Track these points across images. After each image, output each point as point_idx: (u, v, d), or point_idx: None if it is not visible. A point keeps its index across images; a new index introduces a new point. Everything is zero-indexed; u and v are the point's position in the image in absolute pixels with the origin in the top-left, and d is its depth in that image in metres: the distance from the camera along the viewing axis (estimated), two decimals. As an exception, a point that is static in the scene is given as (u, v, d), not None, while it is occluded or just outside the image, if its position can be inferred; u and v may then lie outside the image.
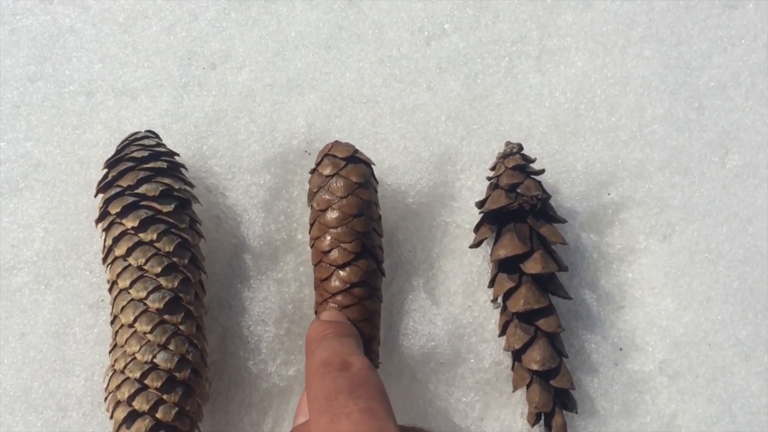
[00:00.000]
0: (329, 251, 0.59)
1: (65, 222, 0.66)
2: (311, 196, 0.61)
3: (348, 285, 0.58)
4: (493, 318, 0.64)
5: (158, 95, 0.70)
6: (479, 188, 0.66)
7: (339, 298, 0.59)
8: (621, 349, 0.63)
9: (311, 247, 0.61)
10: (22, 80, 0.71)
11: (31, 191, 0.67)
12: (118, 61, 0.71)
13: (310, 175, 0.62)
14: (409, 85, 0.70)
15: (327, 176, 0.60)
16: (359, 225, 0.59)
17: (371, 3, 0.72)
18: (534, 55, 0.70)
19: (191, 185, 0.64)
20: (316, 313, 0.61)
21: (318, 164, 0.61)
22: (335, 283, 0.59)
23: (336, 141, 0.63)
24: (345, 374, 0.45)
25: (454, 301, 0.65)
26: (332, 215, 0.59)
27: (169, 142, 0.66)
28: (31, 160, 0.68)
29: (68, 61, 0.71)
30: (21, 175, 0.68)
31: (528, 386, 0.60)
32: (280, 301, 0.64)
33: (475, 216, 0.65)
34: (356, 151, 0.62)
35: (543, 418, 0.59)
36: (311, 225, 0.61)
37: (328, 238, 0.59)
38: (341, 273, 0.59)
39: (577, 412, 0.60)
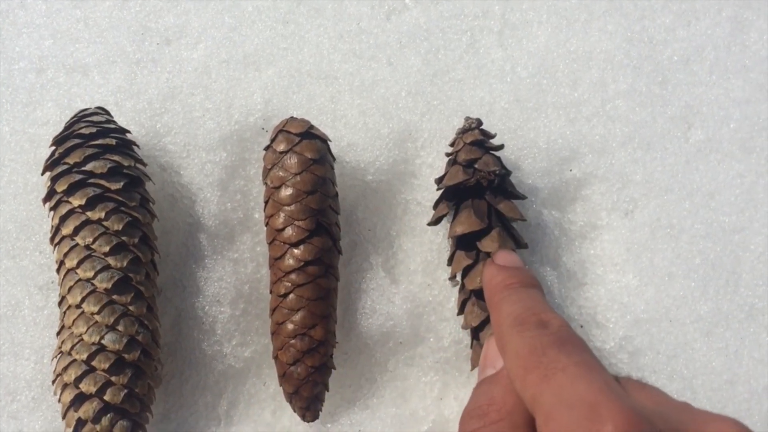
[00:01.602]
0: (283, 229, 0.58)
1: (14, 202, 0.65)
2: (265, 173, 0.60)
3: (302, 263, 0.57)
4: (452, 296, 0.63)
5: (111, 72, 0.68)
6: (439, 165, 0.65)
7: (293, 276, 0.57)
8: (582, 327, 0.62)
9: (266, 226, 0.60)
10: (-30, 57, 0.68)
11: (-22, 170, 0.65)
12: (69, 37, 0.69)
13: (264, 152, 0.61)
14: (369, 61, 0.68)
15: (281, 152, 0.59)
16: (314, 202, 0.58)
17: (330, -23, 0.70)
18: (496, 29, 0.69)
19: (143, 163, 0.62)
20: (270, 292, 0.59)
21: (272, 141, 0.60)
22: (289, 261, 0.57)
23: (291, 117, 0.61)
24: (546, 331, 0.42)
25: (414, 280, 0.63)
26: (286, 192, 0.58)
27: (122, 120, 0.64)
28: (-21, 138, 0.66)
29: (18, 36, 0.69)
30: (-32, 154, 0.66)
31: (486, 365, 0.58)
32: (236, 282, 0.63)
33: (435, 194, 0.63)
34: (311, 126, 0.60)
35: (502, 396, 0.58)
36: (265, 203, 0.60)
37: (282, 215, 0.58)
38: (295, 251, 0.57)
39: (536, 391, 0.59)
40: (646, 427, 0.34)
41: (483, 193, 0.60)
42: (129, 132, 0.63)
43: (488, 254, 0.58)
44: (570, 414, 0.35)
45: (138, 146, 0.63)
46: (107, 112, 0.63)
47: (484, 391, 0.44)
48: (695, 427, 0.36)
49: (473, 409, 0.42)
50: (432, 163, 0.65)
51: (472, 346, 0.60)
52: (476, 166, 0.59)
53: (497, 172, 0.59)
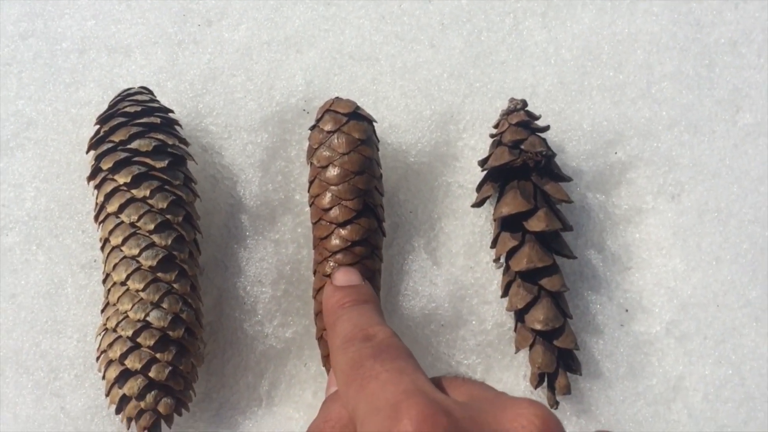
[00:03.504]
0: (329, 209, 0.57)
1: (57, 181, 0.65)
2: (311, 152, 0.59)
3: (349, 243, 0.57)
4: (495, 279, 0.62)
5: (152, 52, 0.68)
6: (482, 147, 0.64)
7: (339, 256, 0.57)
8: (627, 311, 0.61)
9: (310, 206, 0.59)
10: (14, 37, 0.69)
11: (22, 150, 0.66)
12: (111, 18, 0.69)
13: (309, 131, 0.60)
14: (411, 43, 0.68)
15: (328, 132, 0.58)
16: (361, 182, 0.57)
17: (372, -42, 0.70)
18: (540, 11, 0.68)
19: (186, 143, 0.62)
20: (314, 273, 0.59)
21: (318, 120, 0.60)
22: (335, 241, 0.57)
23: (337, 97, 0.61)
24: (368, 344, 0.44)
25: (456, 262, 0.63)
26: (333, 172, 0.57)
27: (164, 100, 0.64)
28: (23, 118, 0.66)
29: (60, 17, 0.69)
30: (12, 134, 0.66)
31: (531, 347, 0.58)
32: (277, 262, 0.63)
33: (478, 176, 0.63)
34: (358, 107, 0.60)
35: (546, 379, 0.58)
36: (310, 182, 0.59)
37: (329, 195, 0.57)
38: (342, 231, 0.57)
39: (581, 374, 0.58)
40: (442, 418, 0.34)
41: (529, 175, 0.59)
42: (172, 111, 0.63)
43: (535, 234, 0.58)
44: (376, 417, 0.36)
45: (180, 126, 0.63)
46: (150, 92, 0.63)
47: (322, 410, 0.45)
48: (494, 413, 0.36)
49: (312, 428, 0.44)
50: (474, 146, 0.65)
51: (516, 329, 0.60)
52: (522, 147, 0.59)
53: (544, 152, 0.58)
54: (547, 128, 0.61)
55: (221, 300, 0.63)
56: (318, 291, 0.58)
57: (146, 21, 0.69)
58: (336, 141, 0.58)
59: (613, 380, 0.60)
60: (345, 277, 0.55)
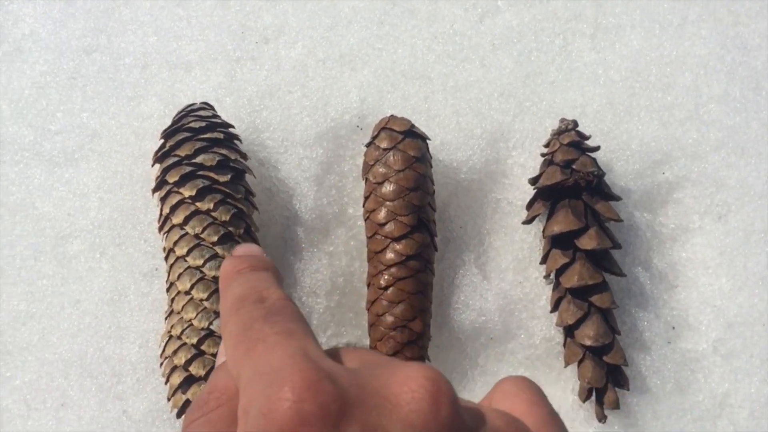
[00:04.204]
0: (385, 224, 0.59)
1: (120, 191, 0.67)
2: (367, 168, 0.62)
3: (403, 257, 0.59)
4: (543, 294, 0.64)
5: (212, 68, 0.70)
6: (531, 165, 0.66)
7: (394, 270, 0.59)
8: (674, 328, 0.63)
9: (365, 220, 0.62)
10: (78, 52, 0.71)
11: (86, 161, 0.68)
12: (172, 34, 0.71)
13: (365, 148, 0.63)
14: (462, 62, 0.69)
15: (384, 149, 0.60)
16: (415, 198, 0.59)
17: (424, -21, 0.72)
18: (589, 33, 0.70)
19: (245, 157, 0.64)
20: (368, 286, 0.61)
21: (375, 137, 0.62)
22: (390, 255, 0.59)
23: (392, 115, 0.63)
24: (261, 305, 0.40)
25: (505, 277, 0.65)
26: (389, 188, 0.59)
27: (223, 115, 0.66)
28: (87, 130, 0.69)
29: (123, 33, 0.72)
30: (77, 146, 0.69)
31: (580, 362, 0.60)
32: (331, 274, 0.65)
33: (527, 193, 0.65)
34: (413, 125, 0.62)
35: (595, 393, 0.59)
36: (366, 198, 0.61)
37: (384, 210, 0.59)
38: (396, 246, 0.59)
39: (629, 389, 0.60)
40: (327, 386, 0.31)
41: (579, 193, 0.61)
42: (233, 126, 0.65)
43: (585, 252, 0.59)
44: (258, 383, 0.33)
45: (240, 140, 0.65)
46: (212, 107, 0.66)
47: (209, 381, 0.41)
48: (385, 378, 0.33)
49: (196, 400, 0.39)
50: (524, 164, 0.67)
51: (565, 344, 0.61)
52: (574, 166, 0.60)
53: (595, 173, 0.60)
54: (597, 148, 0.62)
55: (277, 309, 0.65)
56: (372, 303, 0.60)
57: (206, 38, 0.71)
58: (392, 158, 0.60)
59: (660, 396, 0.62)
60: (246, 249, 0.51)
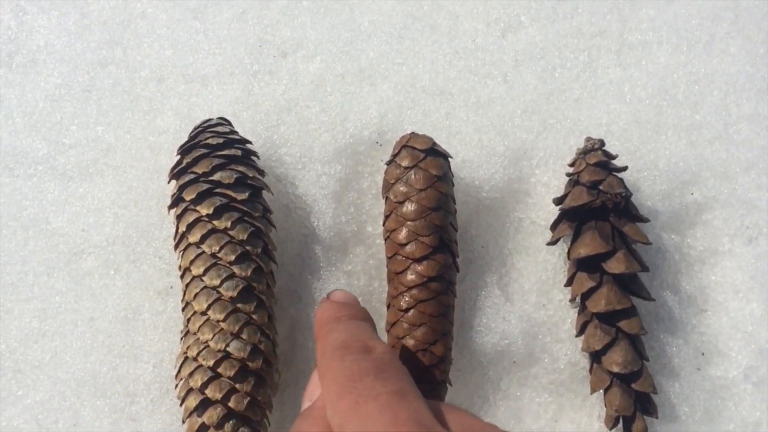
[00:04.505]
0: (406, 244, 0.58)
1: (135, 207, 0.66)
2: (387, 187, 0.60)
3: (425, 279, 0.57)
4: (568, 318, 0.62)
5: (229, 82, 0.69)
6: (555, 184, 0.65)
7: (415, 291, 0.57)
8: (703, 354, 0.61)
9: (386, 240, 0.60)
10: (93, 65, 0.70)
11: (101, 176, 0.67)
12: (189, 48, 0.70)
13: (385, 165, 0.61)
14: (484, 78, 0.68)
15: (405, 168, 0.59)
16: (437, 218, 0.58)
17: (446, -7, 0.70)
18: (614, 49, 0.68)
19: (263, 173, 0.63)
20: (388, 307, 0.60)
21: (396, 155, 0.60)
22: (411, 276, 0.57)
23: (413, 132, 0.61)
24: (368, 357, 0.41)
25: (528, 299, 0.63)
26: (410, 207, 0.58)
27: (240, 130, 0.65)
28: (102, 144, 0.68)
29: (139, 46, 0.71)
30: (92, 160, 0.68)
31: (607, 389, 0.58)
32: (349, 294, 0.63)
33: (550, 212, 0.63)
34: (435, 143, 0.60)
35: (622, 422, 0.58)
36: (386, 217, 0.60)
37: (405, 230, 0.58)
38: (418, 267, 0.57)
39: (657, 417, 0.58)
40: None
41: (606, 215, 0.59)
42: (250, 142, 0.64)
43: (613, 276, 0.58)
44: None
45: (258, 157, 0.64)
46: (229, 123, 0.65)
47: (295, 426, 0.42)
48: None
49: None
50: (547, 182, 0.65)
51: (591, 370, 0.60)
52: (600, 187, 0.59)
53: (623, 194, 0.58)
54: (624, 168, 0.61)
55: (294, 330, 0.64)
56: (393, 325, 0.59)
57: (223, 51, 0.70)
58: (413, 177, 0.58)
59: (690, 424, 0.60)
60: (343, 295, 0.54)
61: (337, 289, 0.55)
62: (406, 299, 0.58)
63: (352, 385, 0.39)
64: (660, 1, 0.69)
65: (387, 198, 0.60)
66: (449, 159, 0.61)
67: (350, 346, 0.43)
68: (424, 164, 0.59)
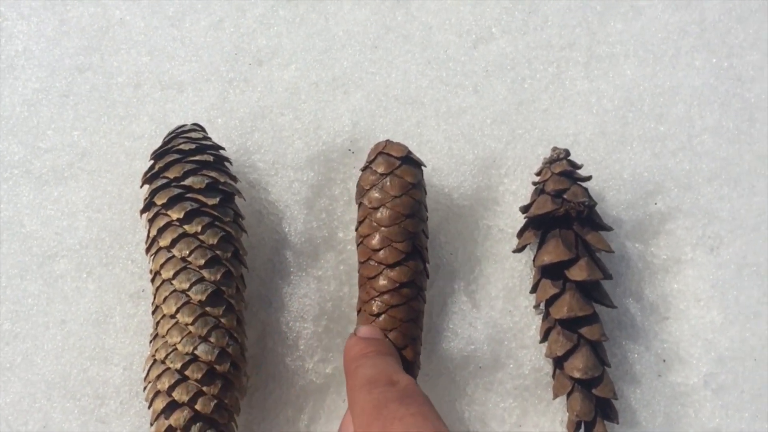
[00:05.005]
0: (379, 250, 0.59)
1: (109, 211, 0.67)
2: (362, 193, 0.61)
3: (397, 285, 0.58)
4: (533, 324, 0.63)
5: (204, 89, 0.70)
6: (523, 193, 0.66)
7: (386, 297, 0.58)
8: (664, 361, 0.62)
9: (358, 245, 0.61)
10: (71, 70, 0.71)
11: (76, 180, 0.68)
12: (165, 54, 0.71)
13: (357, 172, 0.62)
14: (455, 88, 0.69)
15: (381, 174, 0.60)
16: (411, 225, 0.59)
17: (419, 4, 0.72)
18: (582, 61, 0.69)
19: (235, 179, 0.64)
20: (358, 312, 0.61)
21: (371, 162, 0.61)
22: (383, 281, 0.58)
23: (389, 140, 0.62)
24: (393, 388, 0.46)
25: (495, 306, 0.64)
26: (385, 213, 0.59)
27: (214, 136, 0.66)
28: (78, 149, 0.69)
29: (117, 52, 0.72)
30: (67, 164, 0.68)
31: (569, 394, 0.59)
32: (319, 299, 0.64)
33: (518, 220, 0.64)
34: (410, 151, 0.61)
35: (583, 427, 0.59)
36: (360, 222, 0.61)
37: (379, 236, 0.59)
38: (390, 272, 0.58)
39: (618, 423, 0.59)
40: None
41: (570, 223, 0.60)
42: (223, 148, 0.65)
43: (576, 283, 0.59)
44: None
45: (230, 162, 0.65)
46: (203, 129, 0.65)
47: None
48: None
49: None
50: (515, 191, 0.66)
51: (554, 376, 0.61)
52: (565, 196, 0.60)
53: (586, 203, 0.59)
54: (589, 178, 0.62)
55: (264, 334, 0.64)
56: (361, 330, 0.59)
57: (199, 58, 0.71)
58: (388, 183, 0.59)
59: (650, 430, 0.61)
60: (370, 330, 0.57)
61: (362, 325, 0.58)
62: (378, 304, 0.58)
63: (378, 412, 0.43)
64: (628, 14, 0.70)
65: (361, 204, 0.61)
66: (423, 167, 0.62)
67: (377, 380, 0.48)
68: (399, 171, 0.60)
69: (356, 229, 0.61)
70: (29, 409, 0.63)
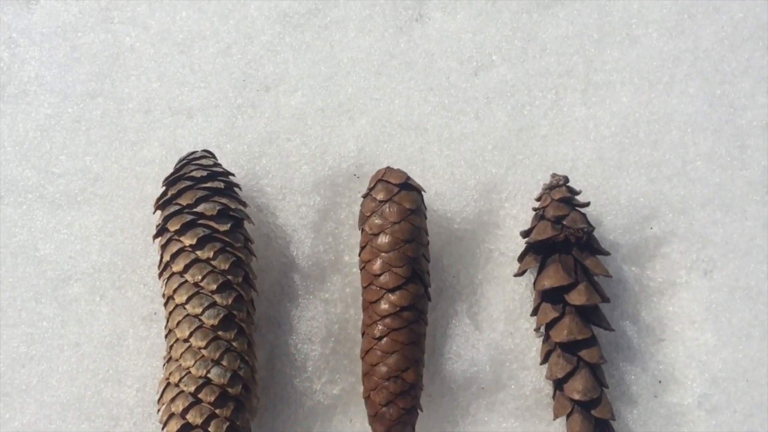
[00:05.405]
0: (380, 275, 0.61)
1: (121, 236, 0.69)
2: (363, 219, 0.63)
3: (398, 309, 0.60)
4: (534, 346, 0.66)
5: (213, 115, 0.72)
6: (523, 217, 0.68)
7: (388, 320, 0.60)
8: (660, 382, 0.64)
9: (360, 270, 0.63)
10: (83, 96, 0.73)
11: (88, 204, 0.70)
12: (175, 81, 0.73)
13: (361, 198, 0.64)
14: (457, 114, 0.71)
15: (380, 201, 0.62)
16: (410, 250, 0.61)
17: (422, 32, 0.74)
18: (580, 88, 0.72)
19: (244, 204, 0.66)
20: (363, 334, 0.63)
21: (371, 189, 0.63)
22: (384, 305, 0.60)
23: (388, 167, 0.64)
24: None
25: (496, 328, 0.66)
26: (384, 239, 0.61)
27: (223, 162, 0.68)
28: (90, 174, 0.70)
29: (127, 79, 0.73)
30: (79, 189, 0.70)
31: (569, 415, 0.61)
32: (326, 321, 0.66)
33: (519, 244, 0.66)
34: (408, 177, 0.63)
35: (583, 446, 0.61)
36: (362, 248, 0.63)
37: (379, 261, 0.61)
38: (391, 296, 0.60)
39: (616, 442, 0.61)
40: None
41: (570, 248, 0.62)
42: (233, 174, 0.66)
43: (575, 307, 0.61)
44: None
45: (240, 188, 0.67)
46: (213, 155, 0.67)
47: None
48: None
49: None
50: (516, 215, 0.68)
51: (554, 397, 0.63)
52: (564, 222, 0.62)
53: (585, 229, 0.61)
54: (587, 204, 0.64)
55: (273, 356, 0.66)
56: (367, 353, 0.61)
57: (208, 85, 0.73)
58: (388, 210, 0.62)
59: (646, 449, 0.63)
60: None
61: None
62: (380, 328, 0.61)
63: None
64: (624, 43, 0.72)
65: (363, 230, 0.63)
66: (422, 192, 0.64)
67: None
68: (398, 198, 0.62)
69: (359, 255, 0.63)
70: (45, 430, 0.65)
